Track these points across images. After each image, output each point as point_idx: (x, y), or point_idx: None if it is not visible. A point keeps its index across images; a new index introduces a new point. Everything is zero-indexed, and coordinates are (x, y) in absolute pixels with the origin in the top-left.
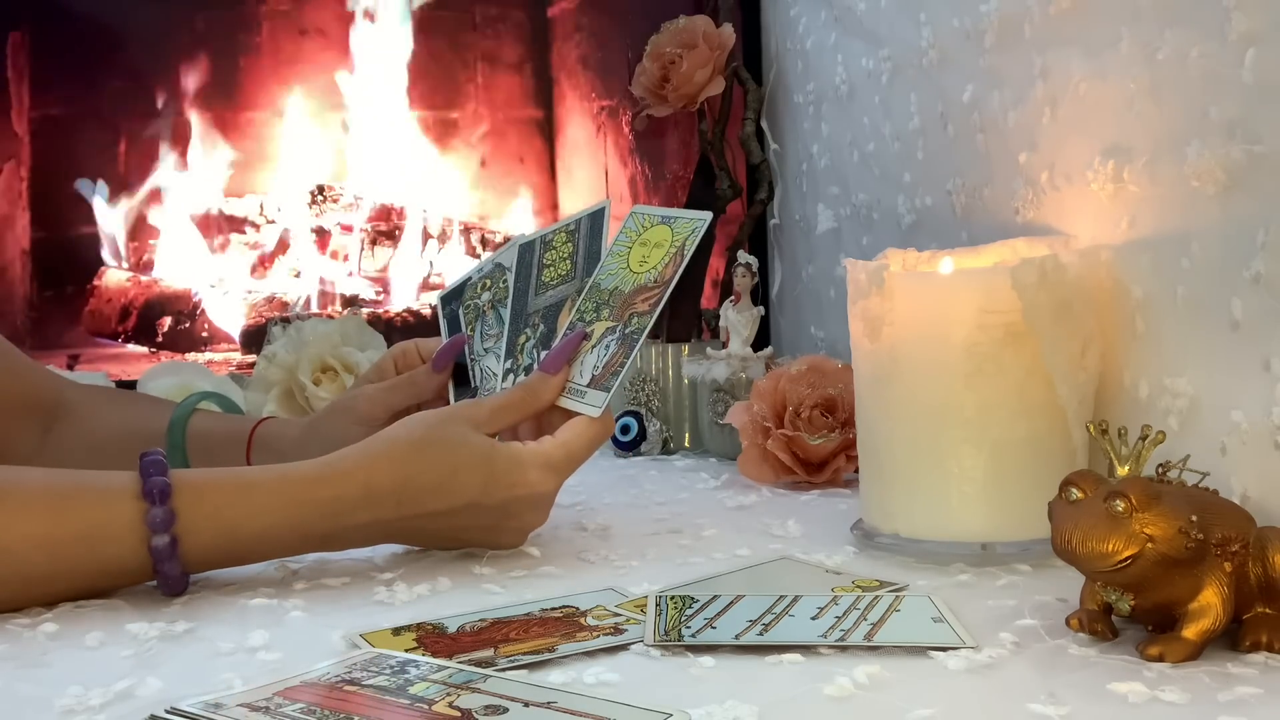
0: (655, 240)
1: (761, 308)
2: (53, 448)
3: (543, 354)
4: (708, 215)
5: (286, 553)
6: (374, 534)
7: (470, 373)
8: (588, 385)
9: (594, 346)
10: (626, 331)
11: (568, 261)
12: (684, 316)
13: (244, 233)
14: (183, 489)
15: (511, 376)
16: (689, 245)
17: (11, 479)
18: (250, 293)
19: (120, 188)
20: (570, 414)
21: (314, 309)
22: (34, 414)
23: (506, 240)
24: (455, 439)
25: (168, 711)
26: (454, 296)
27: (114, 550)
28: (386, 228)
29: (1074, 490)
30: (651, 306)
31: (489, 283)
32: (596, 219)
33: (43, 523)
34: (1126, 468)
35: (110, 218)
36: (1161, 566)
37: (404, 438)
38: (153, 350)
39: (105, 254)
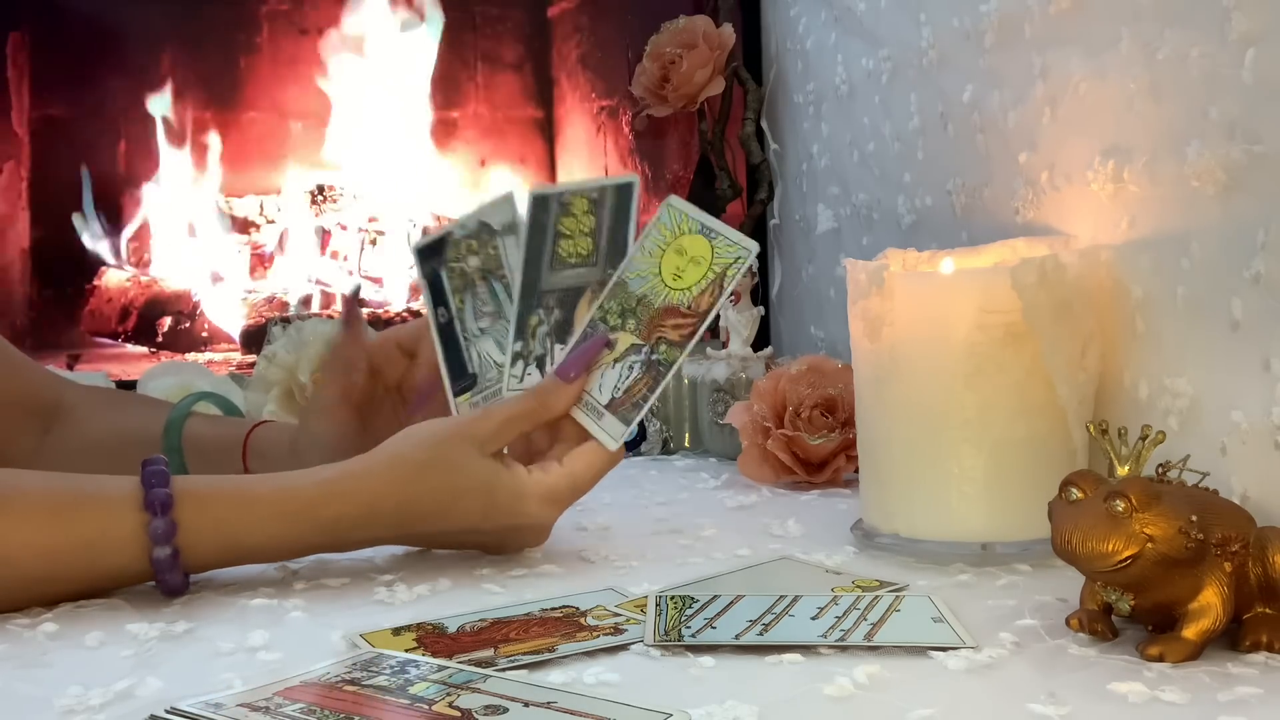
0: (692, 253)
1: (761, 308)
2: (51, 450)
3: (556, 346)
4: (754, 246)
5: (285, 560)
6: (373, 545)
7: (465, 355)
8: (606, 406)
9: (616, 361)
10: (653, 358)
11: (589, 239)
12: None
13: (245, 233)
14: (185, 501)
15: (521, 363)
16: (729, 277)
17: (12, 485)
18: (250, 293)
19: (120, 187)
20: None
21: (314, 309)
22: (34, 415)
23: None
24: (458, 463)
25: (168, 711)
26: (433, 252)
27: (115, 560)
28: (386, 228)
29: (1074, 490)
30: (684, 339)
31: (475, 245)
32: (624, 196)
33: (43, 531)
34: (1126, 468)
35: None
36: (1161, 566)
37: (408, 457)
38: (153, 350)
39: (104, 253)
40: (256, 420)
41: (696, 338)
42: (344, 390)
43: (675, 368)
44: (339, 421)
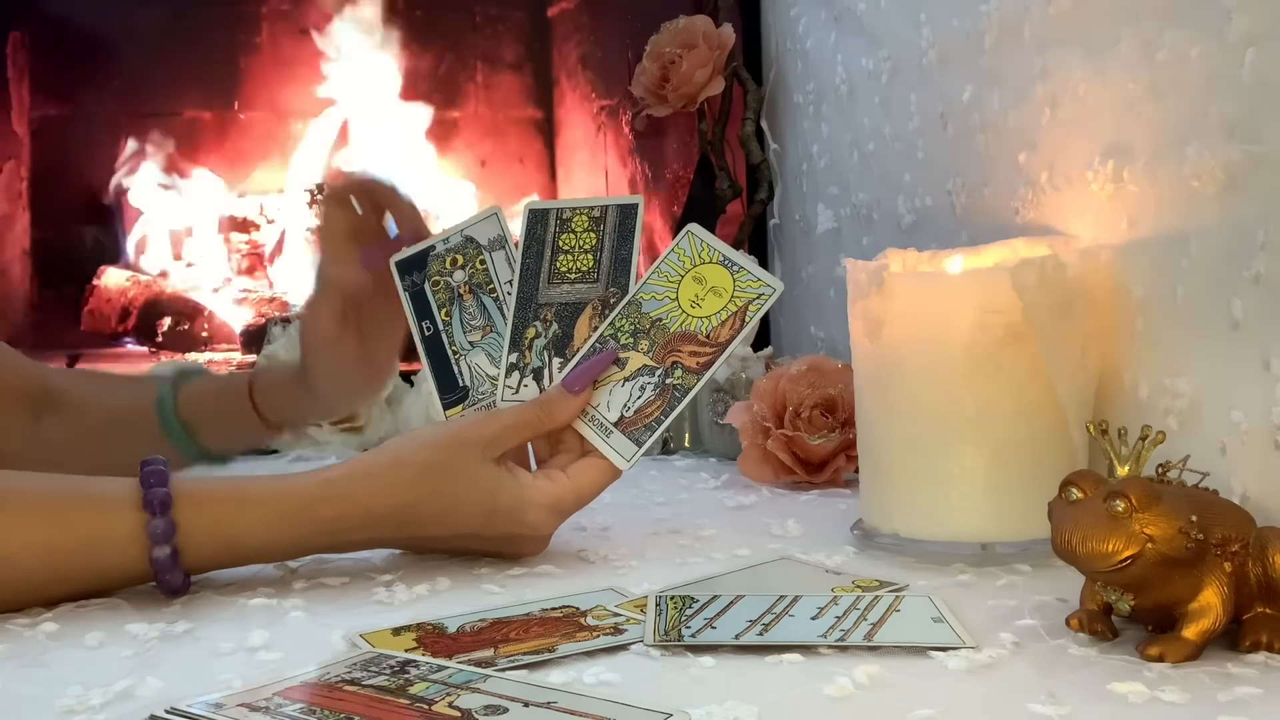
0: (712, 283)
1: None
2: (46, 437)
3: (555, 360)
4: (779, 285)
5: (285, 560)
6: (373, 546)
7: (454, 368)
8: (615, 424)
9: (626, 379)
10: (668, 382)
11: (590, 257)
12: None
13: (245, 233)
14: (184, 501)
15: (516, 374)
16: (751, 313)
17: (12, 485)
18: (250, 293)
19: (120, 187)
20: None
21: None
22: (23, 404)
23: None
24: (460, 468)
25: (168, 711)
26: (415, 265)
27: (114, 560)
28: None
29: (1074, 490)
30: (701, 367)
31: (461, 259)
32: (627, 217)
33: (43, 531)
34: (1126, 468)
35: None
36: (1161, 566)
37: (410, 459)
38: (153, 350)
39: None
40: (247, 375)
41: (715, 368)
42: (340, 313)
43: (691, 395)
44: (341, 348)
